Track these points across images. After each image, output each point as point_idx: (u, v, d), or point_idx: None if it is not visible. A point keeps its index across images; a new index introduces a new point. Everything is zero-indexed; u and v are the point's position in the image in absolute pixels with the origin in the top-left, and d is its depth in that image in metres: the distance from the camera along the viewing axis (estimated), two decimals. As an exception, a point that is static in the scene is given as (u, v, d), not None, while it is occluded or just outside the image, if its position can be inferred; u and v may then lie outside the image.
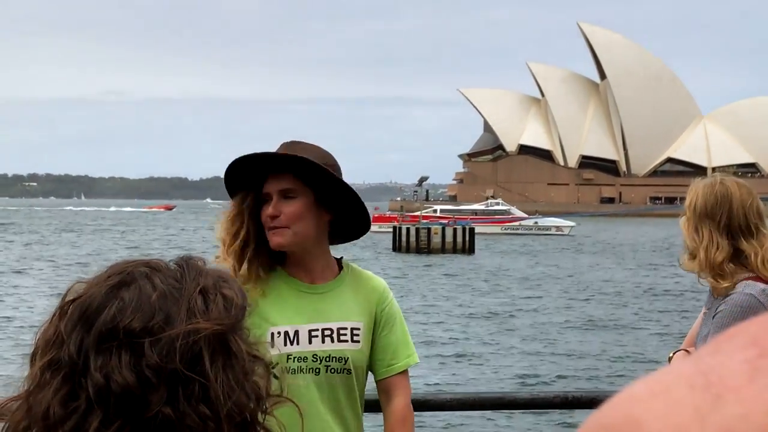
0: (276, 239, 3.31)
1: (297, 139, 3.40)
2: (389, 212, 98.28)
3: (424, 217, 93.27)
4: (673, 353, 3.84)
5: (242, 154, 3.34)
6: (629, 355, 24.71)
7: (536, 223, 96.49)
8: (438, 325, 29.36)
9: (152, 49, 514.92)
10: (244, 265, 3.28)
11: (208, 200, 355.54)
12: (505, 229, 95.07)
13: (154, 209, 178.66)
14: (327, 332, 3.36)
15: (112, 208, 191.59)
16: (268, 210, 3.30)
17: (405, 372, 3.47)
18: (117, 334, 1.27)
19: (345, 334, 3.37)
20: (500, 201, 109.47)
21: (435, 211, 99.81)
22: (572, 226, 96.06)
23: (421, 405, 4.17)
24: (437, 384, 19.52)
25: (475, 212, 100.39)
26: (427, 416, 14.25)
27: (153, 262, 1.36)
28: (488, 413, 14.37)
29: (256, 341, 1.33)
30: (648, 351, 25.15)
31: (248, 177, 3.35)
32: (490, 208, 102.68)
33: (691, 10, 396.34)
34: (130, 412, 1.26)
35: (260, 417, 1.32)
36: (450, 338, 26.81)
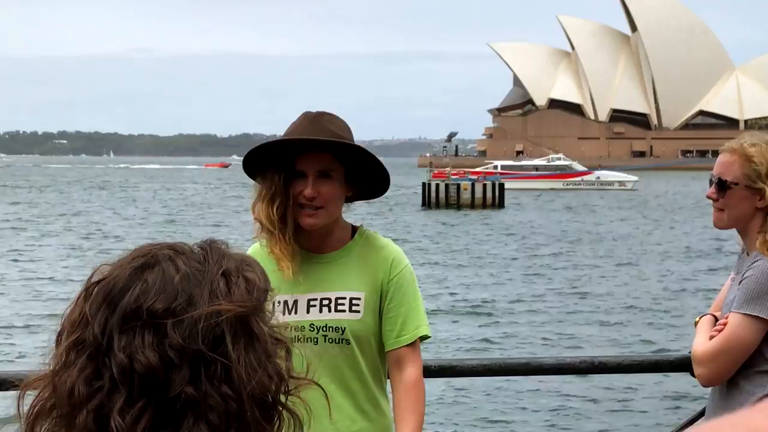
0: (310, 220, 3.29)
1: (320, 111, 3.35)
2: (447, 169, 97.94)
3: (487, 173, 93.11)
4: (699, 317, 3.83)
5: (281, 137, 3.29)
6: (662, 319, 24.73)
7: (598, 178, 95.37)
8: (464, 287, 29.40)
9: (180, 7, 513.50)
10: (284, 246, 3.28)
11: (234, 156, 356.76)
12: (566, 184, 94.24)
13: (212, 167, 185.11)
14: (325, 302, 3.34)
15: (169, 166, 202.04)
16: (306, 190, 3.26)
17: (415, 343, 3.37)
18: (140, 314, 1.29)
19: (343, 304, 3.33)
20: (561, 156, 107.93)
21: (496, 167, 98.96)
22: (635, 181, 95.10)
23: (448, 370, 4.20)
24: (462, 348, 19.59)
25: (536, 168, 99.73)
26: (455, 381, 14.36)
27: (177, 245, 1.37)
28: (515, 378, 14.43)
29: (278, 324, 1.35)
30: (676, 314, 25.16)
31: (276, 154, 3.30)
32: (552, 163, 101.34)
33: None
34: (154, 391, 1.28)
35: (283, 398, 1.34)
36: (478, 300, 26.88)
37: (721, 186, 3.63)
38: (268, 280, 1.37)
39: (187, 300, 1.30)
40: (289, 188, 3.28)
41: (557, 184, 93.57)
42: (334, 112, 3.37)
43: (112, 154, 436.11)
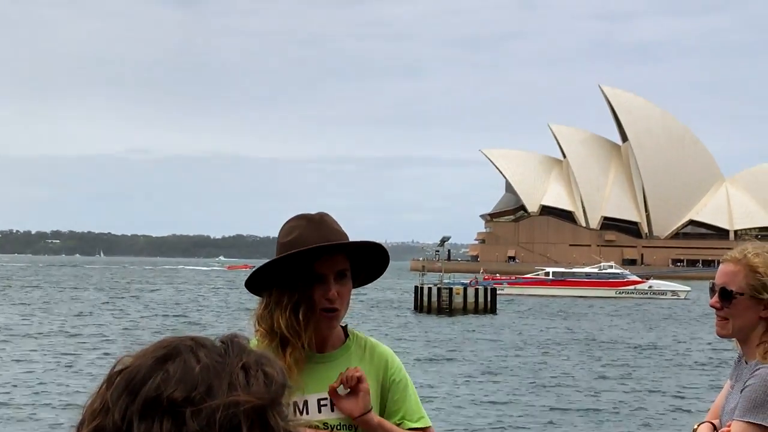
0: (333, 323, 3.34)
1: (319, 212, 3.38)
2: (486, 274, 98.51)
3: (532, 282, 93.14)
4: (698, 425, 3.85)
5: (300, 248, 3.27)
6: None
7: (651, 287, 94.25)
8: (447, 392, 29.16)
9: (176, 108, 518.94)
10: (299, 353, 3.32)
11: (221, 258, 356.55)
12: (619, 293, 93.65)
13: (237, 268, 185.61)
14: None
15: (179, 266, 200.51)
16: (331, 292, 3.28)
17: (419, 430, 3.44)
18: (161, 402, 1.31)
19: None
20: (613, 264, 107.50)
21: (547, 274, 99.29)
22: (688, 291, 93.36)
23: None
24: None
25: (587, 275, 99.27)
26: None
27: (199, 338, 1.39)
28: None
29: (295, 420, 1.36)
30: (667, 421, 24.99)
31: (293, 262, 3.29)
32: (604, 271, 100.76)
33: (712, 72, 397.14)
34: None
35: None
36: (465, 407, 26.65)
37: (726, 295, 3.69)
38: (286, 376, 1.39)
39: (206, 390, 1.31)
40: (311, 294, 3.30)
41: (610, 292, 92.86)
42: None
43: (102, 254, 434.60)
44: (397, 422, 3.42)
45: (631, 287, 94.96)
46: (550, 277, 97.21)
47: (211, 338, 1.40)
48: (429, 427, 3.49)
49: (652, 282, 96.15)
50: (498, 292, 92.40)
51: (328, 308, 3.31)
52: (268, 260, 3.37)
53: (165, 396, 1.31)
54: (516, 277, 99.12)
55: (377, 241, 3.42)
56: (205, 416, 1.29)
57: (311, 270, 3.30)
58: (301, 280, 3.29)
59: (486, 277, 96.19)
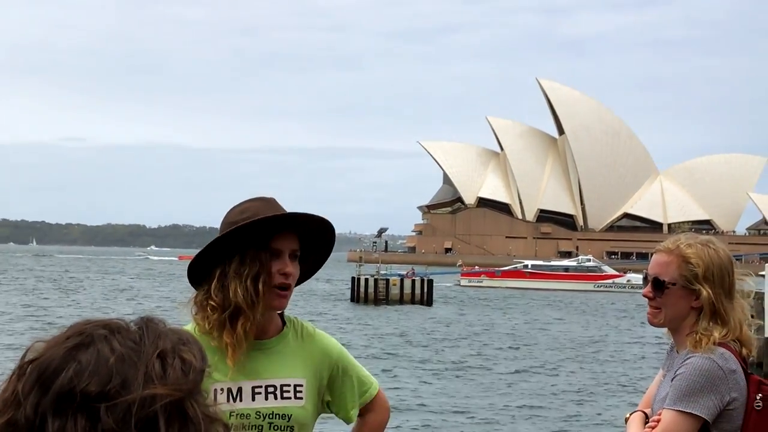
0: (284, 302, 3.32)
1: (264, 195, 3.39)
2: (484, 269, 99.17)
3: (516, 273, 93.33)
4: (630, 414, 3.88)
5: (257, 218, 3.26)
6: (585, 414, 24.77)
7: (629, 281, 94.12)
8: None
9: (111, 97, 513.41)
10: (249, 328, 3.28)
11: (153, 247, 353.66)
12: (597, 286, 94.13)
13: (187, 259, 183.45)
14: (270, 389, 3.34)
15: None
16: (287, 268, 3.28)
17: (374, 401, 3.54)
18: (74, 397, 1.26)
19: (288, 391, 3.35)
20: (591, 258, 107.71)
21: (526, 266, 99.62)
22: None
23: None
24: None
25: (566, 269, 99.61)
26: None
27: (113, 323, 1.34)
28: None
29: (214, 403, 1.32)
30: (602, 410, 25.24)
31: (249, 235, 3.27)
32: (582, 264, 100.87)
33: (649, 67, 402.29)
34: None
35: None
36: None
37: (658, 285, 3.72)
38: (205, 359, 1.35)
39: (122, 383, 1.26)
40: (268, 263, 3.27)
41: (588, 285, 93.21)
42: None
43: (35, 243, 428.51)
44: (354, 404, 3.47)
45: (610, 281, 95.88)
46: (530, 269, 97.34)
47: (125, 320, 1.35)
48: (378, 390, 3.57)
49: (630, 276, 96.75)
50: (476, 284, 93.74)
51: (283, 284, 3.29)
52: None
53: (78, 390, 1.26)
54: (497, 270, 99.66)
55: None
56: (121, 411, 1.25)
57: (267, 245, 3.28)
58: (262, 251, 3.27)
59: (464, 272, 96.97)
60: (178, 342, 1.33)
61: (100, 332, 1.31)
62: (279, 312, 3.42)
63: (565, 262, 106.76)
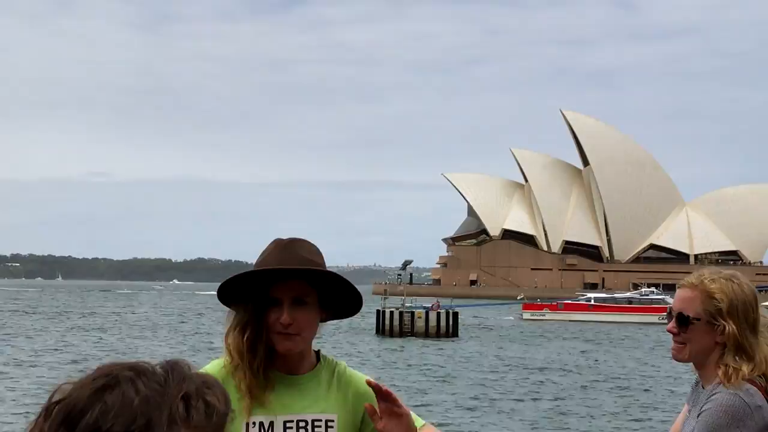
0: (287, 345, 3.32)
1: (292, 237, 3.40)
2: (525, 301, 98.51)
3: (582, 306, 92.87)
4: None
5: (254, 268, 3.33)
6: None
7: None
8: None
9: (137, 132, 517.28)
10: (250, 377, 3.30)
11: (175, 281, 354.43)
12: (661, 318, 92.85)
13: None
14: (302, 424, 3.34)
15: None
16: (283, 317, 3.29)
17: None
18: None
19: (320, 426, 3.35)
20: (654, 290, 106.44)
21: (589, 299, 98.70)
22: None
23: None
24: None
25: (630, 301, 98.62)
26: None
27: (138, 365, 1.36)
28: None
29: None
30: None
31: (251, 283, 3.33)
32: (645, 297, 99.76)
33: (673, 98, 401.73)
34: None
35: None
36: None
37: (683, 321, 3.71)
38: (229, 403, 1.36)
39: (146, 424, 1.28)
40: (262, 317, 3.31)
41: (652, 317, 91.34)
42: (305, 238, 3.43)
43: (60, 278, 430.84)
44: None
45: None
46: (592, 302, 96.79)
47: (151, 363, 1.37)
48: (424, 424, 3.46)
49: None
50: (539, 317, 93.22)
51: (282, 332, 3.30)
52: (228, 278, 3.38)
53: (104, 429, 1.28)
54: (559, 304, 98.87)
55: (336, 271, 3.41)
56: None
57: (267, 294, 3.32)
58: (254, 302, 3.31)
59: (525, 306, 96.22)
60: (202, 385, 1.35)
61: (126, 374, 1.33)
62: (316, 350, 3.46)
63: (628, 294, 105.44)
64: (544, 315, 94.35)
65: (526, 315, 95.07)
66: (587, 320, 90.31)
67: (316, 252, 3.39)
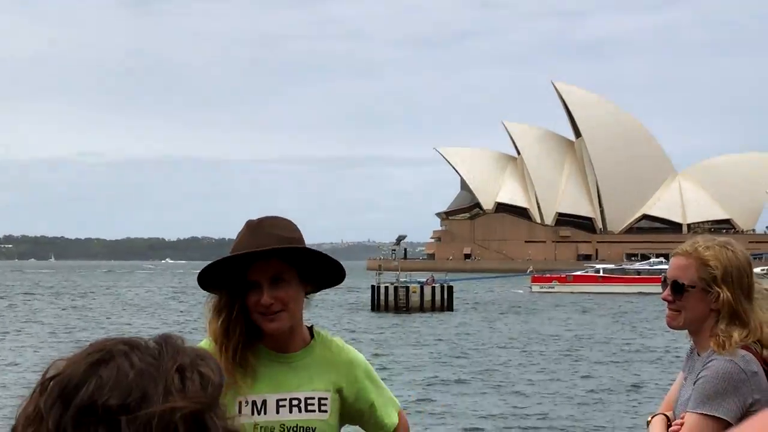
0: (273, 325, 3.32)
1: (261, 217, 3.40)
2: (548, 273, 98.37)
3: (591, 278, 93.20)
4: (652, 417, 3.88)
5: (227, 255, 3.35)
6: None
7: None
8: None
9: (128, 111, 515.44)
10: (226, 361, 3.30)
11: (168, 260, 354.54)
12: None
13: None
14: (295, 402, 3.36)
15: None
16: (263, 298, 3.29)
17: (399, 424, 3.57)
18: (95, 410, 1.28)
19: (312, 404, 3.38)
20: (662, 260, 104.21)
21: (598, 271, 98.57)
22: None
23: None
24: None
25: (638, 272, 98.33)
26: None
27: (132, 339, 1.37)
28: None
29: (232, 417, 1.35)
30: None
31: (228, 269, 3.35)
32: (655, 267, 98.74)
33: (665, 68, 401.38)
34: None
35: None
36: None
37: (677, 289, 3.73)
38: (223, 375, 1.37)
39: (142, 396, 1.29)
40: (238, 301, 3.33)
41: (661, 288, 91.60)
42: (278, 215, 3.43)
43: (53, 258, 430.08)
44: (381, 424, 3.50)
45: None
46: (601, 274, 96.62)
47: (144, 338, 1.38)
48: (400, 412, 3.60)
49: None
50: (548, 290, 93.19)
51: (265, 313, 3.32)
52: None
53: (100, 403, 1.28)
54: (568, 276, 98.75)
55: (330, 248, 3.42)
56: (142, 424, 1.27)
57: (245, 277, 3.33)
58: (229, 287, 3.34)
59: (534, 278, 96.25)
60: (196, 358, 1.35)
61: (120, 348, 1.34)
62: (309, 326, 3.48)
63: (637, 266, 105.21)
64: (553, 287, 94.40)
65: (535, 288, 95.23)
66: (597, 292, 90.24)
67: (289, 228, 3.38)
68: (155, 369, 1.31)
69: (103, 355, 1.33)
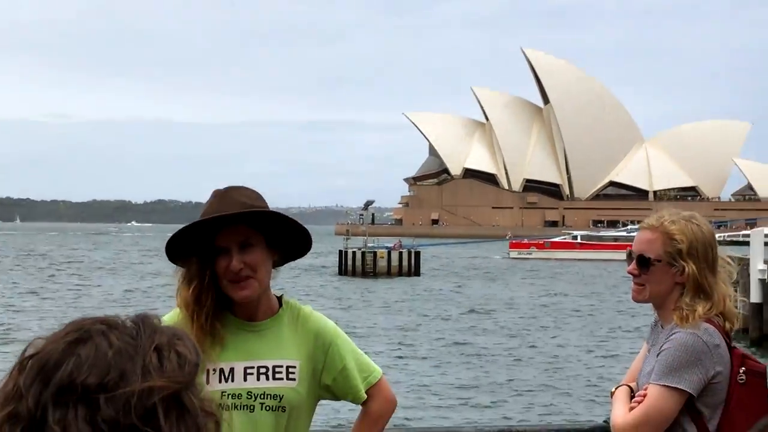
0: (244, 293, 3.33)
1: (229, 186, 3.42)
2: (526, 239, 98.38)
3: (568, 245, 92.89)
4: (615, 388, 3.92)
5: (192, 221, 3.37)
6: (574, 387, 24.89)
7: None
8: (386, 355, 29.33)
9: (95, 72, 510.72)
10: (197, 329, 3.32)
11: (134, 223, 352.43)
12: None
13: None
14: (262, 370, 3.37)
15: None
16: (232, 263, 3.30)
17: (375, 387, 3.53)
18: (74, 389, 1.30)
19: (280, 372, 3.38)
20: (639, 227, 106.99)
21: (575, 237, 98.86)
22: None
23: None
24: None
25: (616, 239, 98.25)
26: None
27: (110, 319, 1.38)
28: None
29: (209, 397, 1.37)
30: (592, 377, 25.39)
31: (196, 237, 3.36)
32: (632, 234, 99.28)
33: (634, 36, 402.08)
34: None
35: None
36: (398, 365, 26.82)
37: (643, 263, 3.76)
38: (199, 354, 1.39)
39: (120, 375, 1.30)
40: (208, 268, 3.34)
41: None
42: (246, 182, 3.46)
43: (19, 220, 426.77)
44: (357, 389, 3.49)
45: None
46: (579, 240, 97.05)
47: (121, 317, 1.39)
48: (381, 377, 3.57)
49: None
50: (526, 256, 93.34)
51: (236, 279, 3.33)
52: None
53: (78, 382, 1.30)
54: (546, 242, 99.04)
55: (298, 212, 3.42)
56: (120, 402, 1.29)
57: (213, 244, 3.34)
58: (199, 254, 3.34)
59: (512, 244, 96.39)
60: (173, 337, 1.37)
61: (97, 327, 1.35)
62: (278, 295, 3.49)
63: (614, 232, 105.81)
64: (530, 253, 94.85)
65: (513, 254, 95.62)
66: (575, 258, 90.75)
67: (256, 197, 3.40)
68: (133, 348, 1.33)
69: (82, 335, 1.34)
